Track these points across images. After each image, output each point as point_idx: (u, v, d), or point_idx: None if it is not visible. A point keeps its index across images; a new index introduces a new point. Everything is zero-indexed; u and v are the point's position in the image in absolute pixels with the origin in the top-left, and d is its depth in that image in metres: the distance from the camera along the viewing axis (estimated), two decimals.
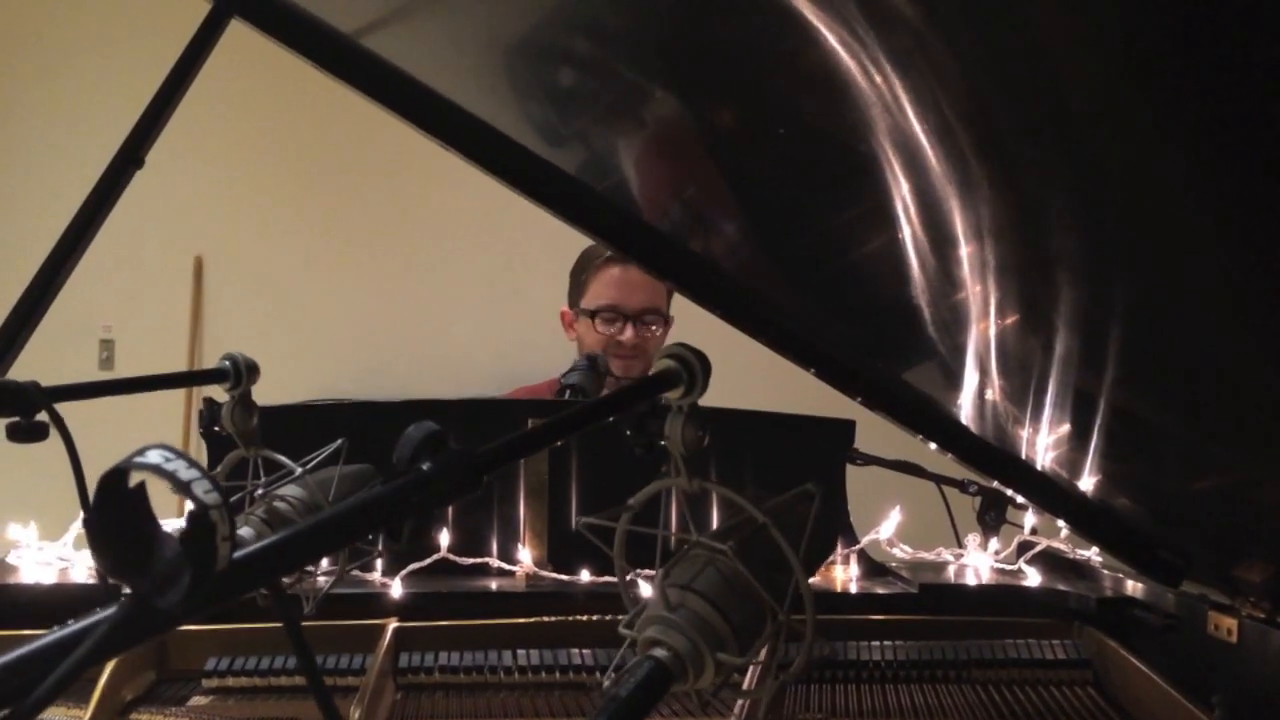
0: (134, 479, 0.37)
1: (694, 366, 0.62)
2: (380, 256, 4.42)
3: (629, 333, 2.22)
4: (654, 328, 2.26)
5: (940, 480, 1.69)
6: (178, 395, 4.16)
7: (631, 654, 0.60)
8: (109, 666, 1.15)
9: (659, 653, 0.58)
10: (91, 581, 1.34)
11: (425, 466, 0.47)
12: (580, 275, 2.31)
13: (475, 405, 1.97)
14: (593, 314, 2.24)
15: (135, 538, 0.37)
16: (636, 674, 0.57)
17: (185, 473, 0.36)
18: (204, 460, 0.66)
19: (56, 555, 1.40)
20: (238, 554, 0.38)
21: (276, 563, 0.40)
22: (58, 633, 0.36)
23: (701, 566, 0.60)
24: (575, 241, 2.30)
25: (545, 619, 1.29)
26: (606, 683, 0.61)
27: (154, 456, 0.36)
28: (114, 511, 0.36)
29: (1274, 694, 1.09)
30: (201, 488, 0.36)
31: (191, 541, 0.35)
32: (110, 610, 0.36)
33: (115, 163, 1.16)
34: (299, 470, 0.86)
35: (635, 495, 0.66)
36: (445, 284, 4.44)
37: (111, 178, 1.15)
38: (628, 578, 0.72)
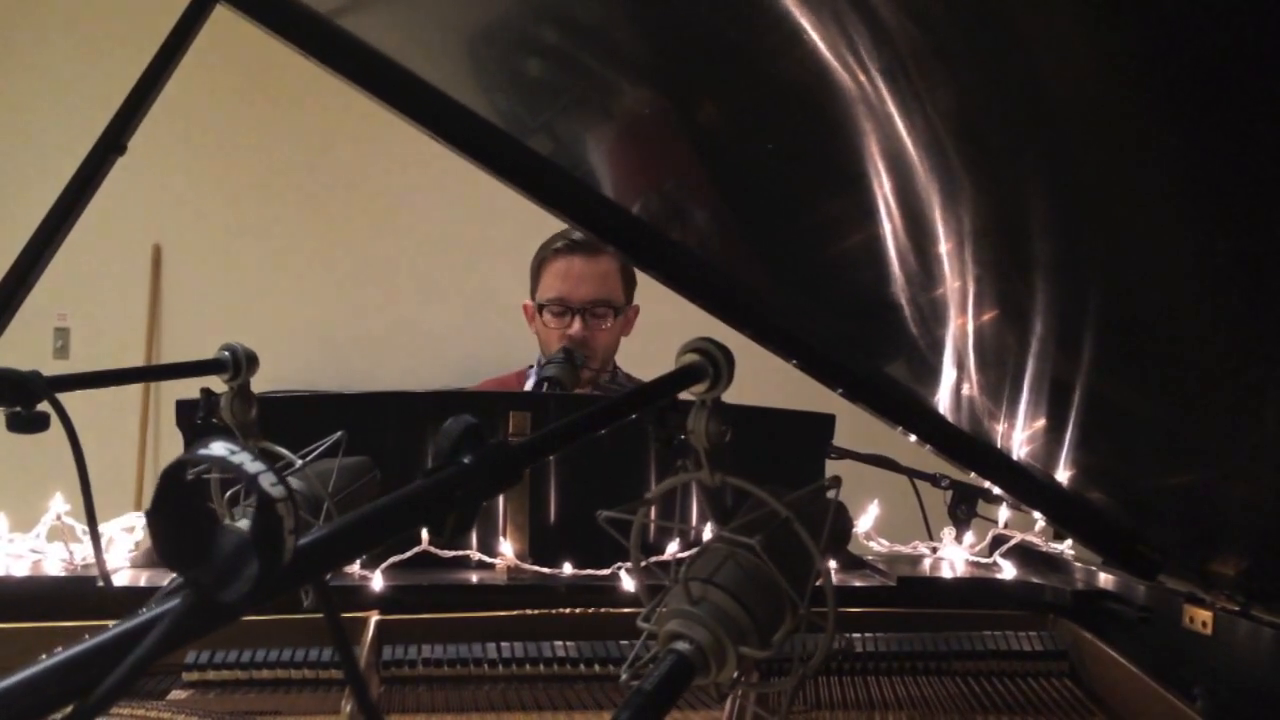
0: (193, 471, 0.37)
1: (719, 360, 0.62)
2: (341, 246, 4.37)
3: (576, 326, 2.17)
4: (604, 321, 2.20)
5: (913, 474, 1.70)
6: (135, 386, 4.10)
7: (649, 647, 0.61)
8: None
9: (681, 646, 0.58)
10: (65, 574, 1.32)
11: (467, 460, 0.47)
12: (535, 267, 2.28)
13: (448, 397, 1.96)
14: (541, 307, 2.21)
15: (196, 530, 0.37)
16: (660, 667, 0.57)
17: (251, 465, 0.36)
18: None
19: (28, 548, 1.38)
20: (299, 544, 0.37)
21: (333, 555, 0.40)
22: (121, 626, 0.36)
23: (722, 560, 0.61)
24: (542, 232, 2.28)
25: (527, 612, 1.29)
26: (624, 675, 0.61)
27: (218, 449, 0.36)
28: (175, 504, 0.36)
29: (1251, 684, 1.11)
30: (268, 480, 0.36)
31: (261, 534, 0.35)
32: (173, 603, 0.36)
33: (97, 149, 1.14)
34: (298, 462, 0.85)
35: (654, 489, 0.66)
36: (407, 275, 4.40)
37: (93, 164, 1.14)
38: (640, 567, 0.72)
